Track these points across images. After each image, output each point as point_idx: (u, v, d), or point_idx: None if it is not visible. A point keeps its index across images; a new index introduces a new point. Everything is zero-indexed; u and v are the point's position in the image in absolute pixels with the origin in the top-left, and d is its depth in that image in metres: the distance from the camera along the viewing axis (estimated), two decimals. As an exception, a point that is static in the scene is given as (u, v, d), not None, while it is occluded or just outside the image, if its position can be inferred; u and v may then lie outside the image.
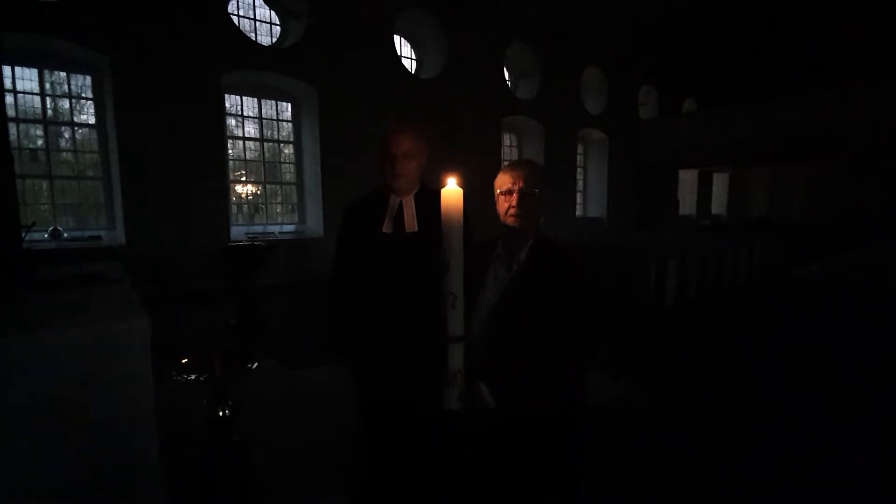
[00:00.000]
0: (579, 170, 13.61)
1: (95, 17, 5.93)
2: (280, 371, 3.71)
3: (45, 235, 6.07)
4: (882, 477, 2.33)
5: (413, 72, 9.73)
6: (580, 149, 13.43)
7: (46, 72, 6.31)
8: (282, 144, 8.61)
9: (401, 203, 1.69)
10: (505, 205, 1.37)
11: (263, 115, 8.25)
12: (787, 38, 12.94)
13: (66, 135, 6.70)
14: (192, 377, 1.60)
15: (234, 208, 7.98)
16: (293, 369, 3.75)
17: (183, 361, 1.66)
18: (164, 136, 6.53)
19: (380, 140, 1.67)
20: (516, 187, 1.35)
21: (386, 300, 1.67)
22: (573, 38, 11.53)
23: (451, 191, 1.17)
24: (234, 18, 7.48)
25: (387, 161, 1.64)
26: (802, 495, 2.20)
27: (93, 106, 6.61)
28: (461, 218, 1.19)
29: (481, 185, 1.40)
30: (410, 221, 1.68)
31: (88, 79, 6.52)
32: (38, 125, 6.40)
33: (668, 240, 8.20)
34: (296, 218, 8.65)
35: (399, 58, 9.17)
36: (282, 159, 8.64)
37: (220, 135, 7.22)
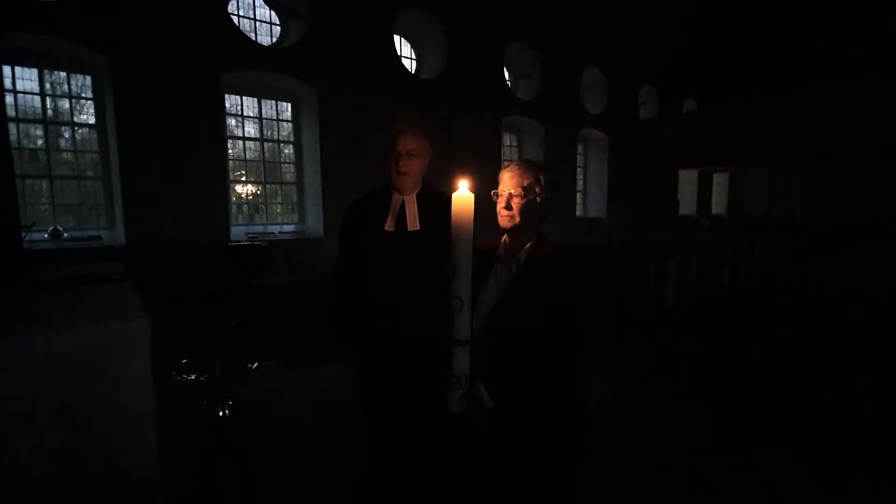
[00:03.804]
0: (579, 170, 13.61)
1: (95, 17, 5.93)
2: (280, 371, 3.71)
3: (45, 235, 6.07)
4: (882, 476, 2.33)
5: (413, 72, 9.73)
6: (580, 149, 13.44)
7: (46, 72, 6.31)
8: (282, 144, 8.61)
9: (403, 202, 1.71)
10: (499, 205, 1.37)
11: (263, 115, 8.25)
12: (787, 38, 12.96)
13: (66, 135, 6.70)
14: (192, 377, 1.60)
15: (234, 208, 7.97)
16: (293, 369, 3.75)
17: (183, 361, 1.66)
18: (164, 136, 6.53)
19: (386, 138, 1.69)
20: (508, 188, 1.35)
21: (387, 297, 1.67)
22: (573, 38, 11.53)
23: (462, 195, 1.17)
24: (234, 18, 7.48)
25: (391, 159, 1.66)
26: (802, 495, 2.20)
27: (93, 106, 6.61)
28: (471, 223, 1.20)
29: (481, 186, 1.39)
30: (413, 220, 1.69)
31: (88, 79, 6.52)
32: (38, 125, 6.40)
33: (668, 240, 8.20)
34: (296, 218, 8.65)
35: (399, 58, 9.17)
36: (282, 159, 8.64)
37: (220, 135, 7.22)
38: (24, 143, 6.35)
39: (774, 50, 13.78)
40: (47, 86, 6.38)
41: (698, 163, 14.48)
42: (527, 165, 1.38)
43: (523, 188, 1.34)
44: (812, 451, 2.56)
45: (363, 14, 8.23)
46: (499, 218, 1.37)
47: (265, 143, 8.37)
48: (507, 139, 11.74)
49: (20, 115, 6.17)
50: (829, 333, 4.79)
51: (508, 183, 1.36)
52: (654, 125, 13.89)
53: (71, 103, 6.56)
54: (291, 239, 8.02)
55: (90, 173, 6.75)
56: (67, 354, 1.41)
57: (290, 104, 8.42)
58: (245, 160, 8.21)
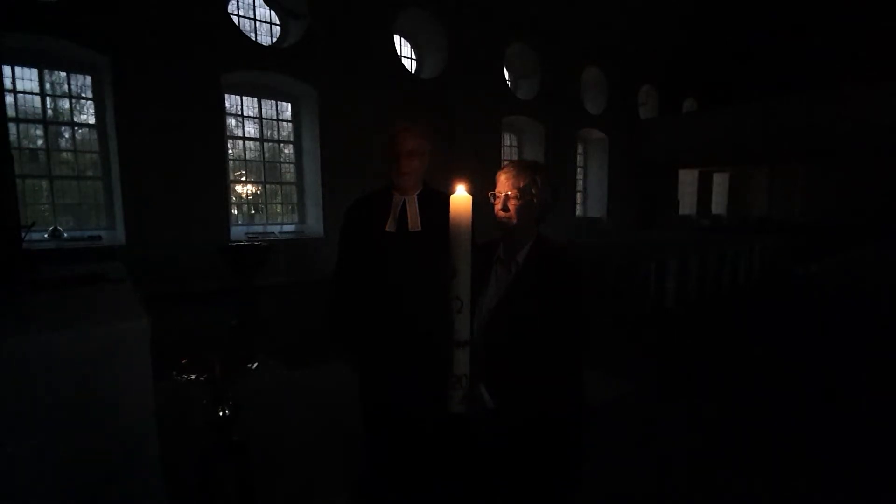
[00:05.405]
0: (579, 170, 13.60)
1: (95, 17, 5.93)
2: (280, 371, 3.71)
3: (45, 235, 6.06)
4: (882, 476, 2.33)
5: (413, 72, 9.73)
6: (580, 149, 13.43)
7: (46, 72, 6.31)
8: (282, 144, 8.61)
9: (404, 202, 1.70)
10: (496, 207, 1.37)
11: (263, 115, 8.25)
12: (787, 38, 12.96)
13: (66, 135, 6.70)
14: (192, 377, 1.60)
15: (234, 208, 7.97)
16: (293, 369, 3.75)
17: (183, 361, 1.66)
18: (164, 136, 6.52)
19: (387, 138, 1.68)
20: (505, 189, 1.35)
21: (388, 298, 1.67)
22: (573, 38, 11.53)
23: (461, 197, 1.18)
24: (235, 18, 7.48)
25: (391, 159, 1.65)
26: (802, 495, 2.20)
27: (93, 106, 6.61)
28: (470, 224, 1.20)
29: (481, 186, 1.39)
30: (414, 220, 1.69)
31: (88, 79, 6.52)
32: (38, 125, 6.39)
33: (668, 240, 8.20)
34: (296, 218, 8.65)
35: (399, 58, 9.17)
36: (282, 159, 8.64)
37: (220, 135, 7.22)
38: (24, 143, 6.35)
39: (774, 50, 13.78)
40: (47, 86, 6.38)
41: (698, 163, 14.47)
42: (522, 166, 1.38)
43: (519, 189, 1.34)
44: (812, 451, 2.56)
45: (363, 14, 8.23)
46: (498, 219, 1.37)
47: (265, 143, 8.36)
48: (507, 139, 11.73)
49: (20, 115, 6.16)
50: (829, 333, 4.79)
51: (505, 184, 1.36)
52: (654, 125, 13.88)
53: (71, 103, 6.56)
54: (291, 239, 8.01)
55: (90, 173, 6.75)
56: (67, 354, 1.41)
57: (290, 104, 8.42)
58: (245, 160, 8.20)
